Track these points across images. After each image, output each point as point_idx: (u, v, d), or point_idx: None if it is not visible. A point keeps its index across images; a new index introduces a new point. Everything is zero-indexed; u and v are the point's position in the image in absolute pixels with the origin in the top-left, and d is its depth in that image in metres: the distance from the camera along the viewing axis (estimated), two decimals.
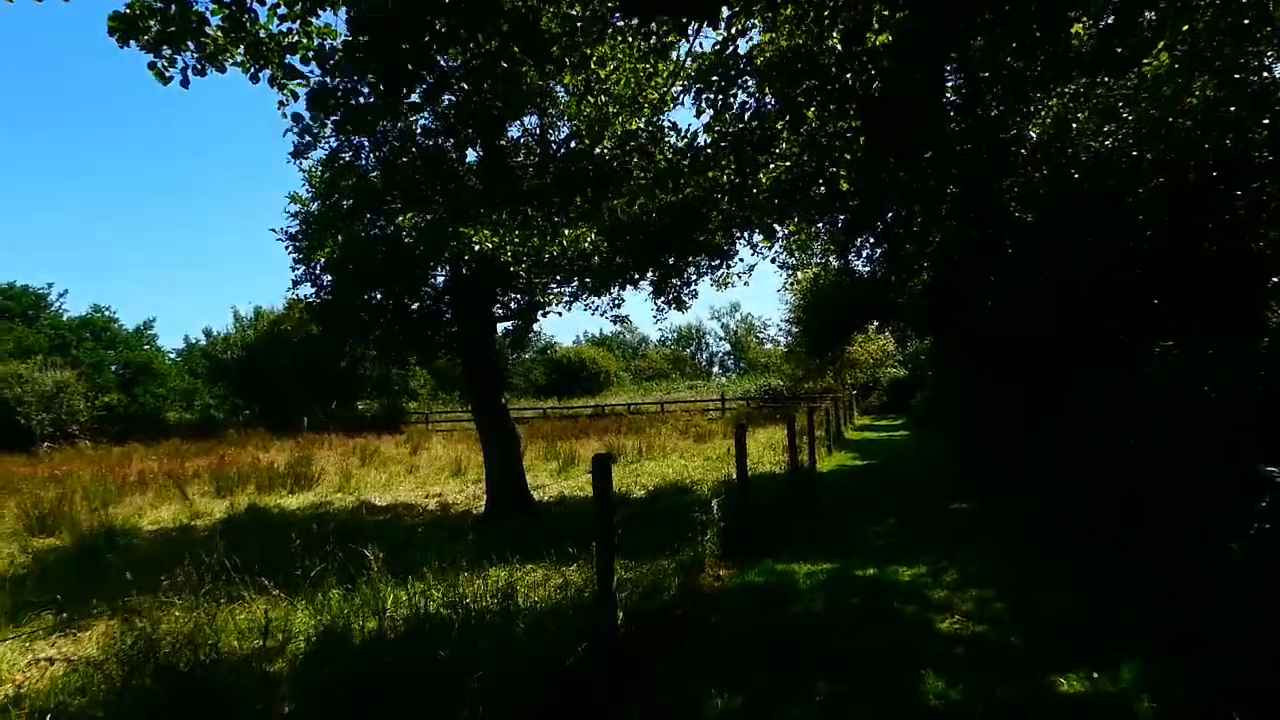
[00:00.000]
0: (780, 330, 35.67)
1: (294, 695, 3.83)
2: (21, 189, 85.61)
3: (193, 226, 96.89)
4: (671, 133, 6.07)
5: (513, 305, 9.19)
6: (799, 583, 6.20)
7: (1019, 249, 10.41)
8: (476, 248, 6.87)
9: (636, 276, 8.10)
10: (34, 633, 5.30)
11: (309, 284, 8.57)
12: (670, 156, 5.95)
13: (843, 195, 9.05)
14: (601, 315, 10.58)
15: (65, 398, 31.59)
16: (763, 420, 26.77)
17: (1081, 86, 10.15)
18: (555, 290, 8.82)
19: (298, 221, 8.49)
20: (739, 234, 8.04)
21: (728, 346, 71.27)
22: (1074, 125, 10.35)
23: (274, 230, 8.17)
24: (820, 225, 9.67)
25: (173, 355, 43.89)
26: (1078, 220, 9.74)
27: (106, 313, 41.32)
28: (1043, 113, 10.30)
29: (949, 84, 9.40)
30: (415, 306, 8.91)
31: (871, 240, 13.19)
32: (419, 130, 9.15)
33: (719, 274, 9.35)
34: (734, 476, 13.38)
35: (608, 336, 68.59)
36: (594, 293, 8.36)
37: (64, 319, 40.26)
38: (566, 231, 7.09)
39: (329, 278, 8.44)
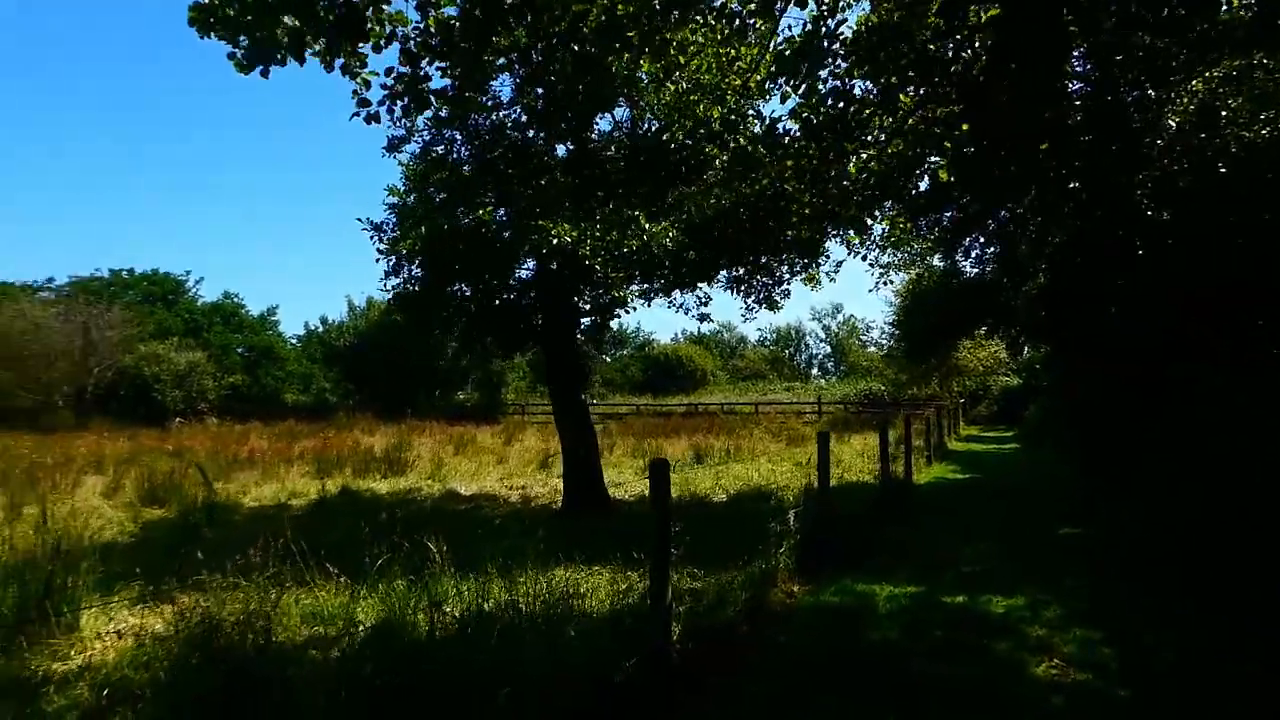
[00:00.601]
0: (883, 333, 34.29)
1: (329, 690, 3.76)
2: (168, 184, 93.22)
3: (318, 220, 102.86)
4: (755, 120, 5.72)
5: (593, 301, 9.06)
6: (878, 606, 5.75)
7: (1151, 249, 9.45)
8: (555, 241, 6.75)
9: (711, 273, 7.74)
10: (119, 603, 5.52)
11: (393, 276, 8.73)
12: (745, 145, 5.59)
13: (948, 190, 8.42)
14: (686, 313, 10.28)
15: (196, 377, 34.00)
16: (860, 426, 25.80)
17: (1233, 68, 9.09)
18: (636, 287, 8.60)
19: (392, 212, 8.63)
20: (831, 230, 7.56)
21: (828, 349, 69.46)
22: (1223, 113, 9.30)
23: (360, 220, 8.29)
24: (922, 221, 9.04)
25: (294, 341, 46.59)
26: (1224, 218, 8.74)
27: (235, 299, 44.27)
28: (1184, 98, 9.28)
29: (1075, 68, 8.60)
30: (498, 300, 8.93)
31: (981, 240, 12.34)
32: (509, 124, 9.15)
33: (808, 271, 8.86)
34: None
35: (705, 335, 68.14)
36: (666, 290, 8.06)
37: (198, 304, 43.38)
38: (648, 226, 6.85)
39: (414, 269, 8.57)
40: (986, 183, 6.46)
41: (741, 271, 8.19)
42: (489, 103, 9.11)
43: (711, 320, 10.04)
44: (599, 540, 7.39)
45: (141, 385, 32.57)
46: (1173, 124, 9.53)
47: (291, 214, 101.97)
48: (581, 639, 4.55)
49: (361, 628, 5.06)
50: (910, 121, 5.13)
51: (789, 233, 6.70)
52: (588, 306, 9.05)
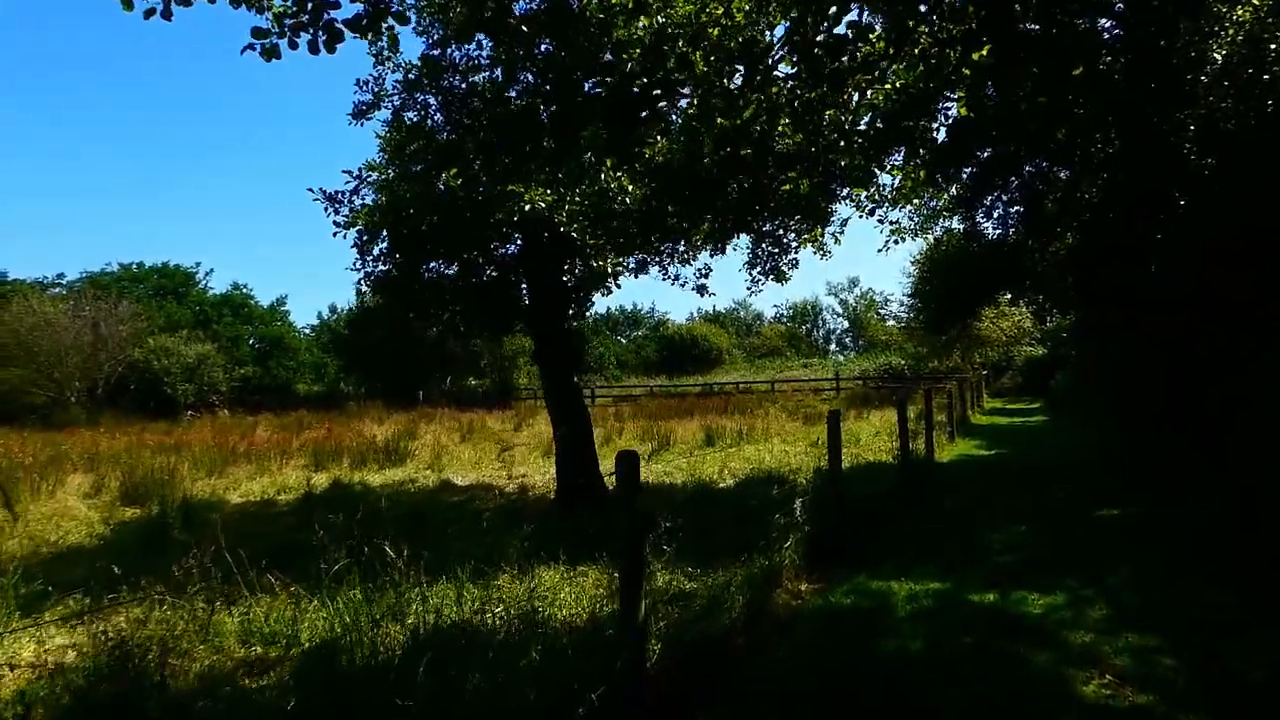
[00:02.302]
0: (901, 305, 33.27)
1: None
2: (176, 177, 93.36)
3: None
4: (737, 49, 4.89)
5: (580, 275, 8.33)
6: (896, 607, 5.06)
7: (1195, 200, 8.58)
8: (529, 207, 6.04)
9: (686, 226, 6.87)
10: (48, 623, 4.96)
11: (362, 254, 7.94)
12: (719, 61, 4.78)
13: (966, 137, 7.60)
14: (683, 285, 9.45)
15: (206, 369, 33.77)
16: (879, 402, 25.02)
17: None
18: (632, 260, 7.83)
19: (352, 180, 7.76)
20: (834, 186, 6.70)
21: (846, 324, 68.22)
22: (1272, 46, 8.39)
23: (311, 190, 7.46)
24: (938, 176, 8.19)
25: (307, 331, 46.37)
26: (1276, 161, 7.86)
27: (244, 290, 44.00)
28: (1230, 29, 8.37)
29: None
30: (479, 278, 8.23)
31: (1004, 198, 11.46)
32: (485, 85, 8.42)
33: (811, 232, 8.02)
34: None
35: (721, 313, 67.21)
36: (641, 249, 7.16)
37: (208, 295, 43.16)
38: (630, 187, 6.07)
39: (381, 246, 7.84)
40: (1011, 118, 5.64)
41: (716, 227, 7.23)
42: (462, 62, 8.40)
43: (712, 293, 9.37)
44: (590, 535, 6.74)
45: (152, 379, 32.40)
46: (1217, 58, 8.64)
47: (299, 203, 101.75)
48: (546, 659, 3.91)
49: (306, 646, 4.48)
50: (921, 44, 4.35)
51: (784, 188, 5.93)
52: (573, 281, 8.32)
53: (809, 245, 8.32)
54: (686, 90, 5.45)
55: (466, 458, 15.08)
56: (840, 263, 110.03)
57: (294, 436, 18.70)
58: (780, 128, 5.02)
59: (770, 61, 4.49)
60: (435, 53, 7.99)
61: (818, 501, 6.65)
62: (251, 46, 3.56)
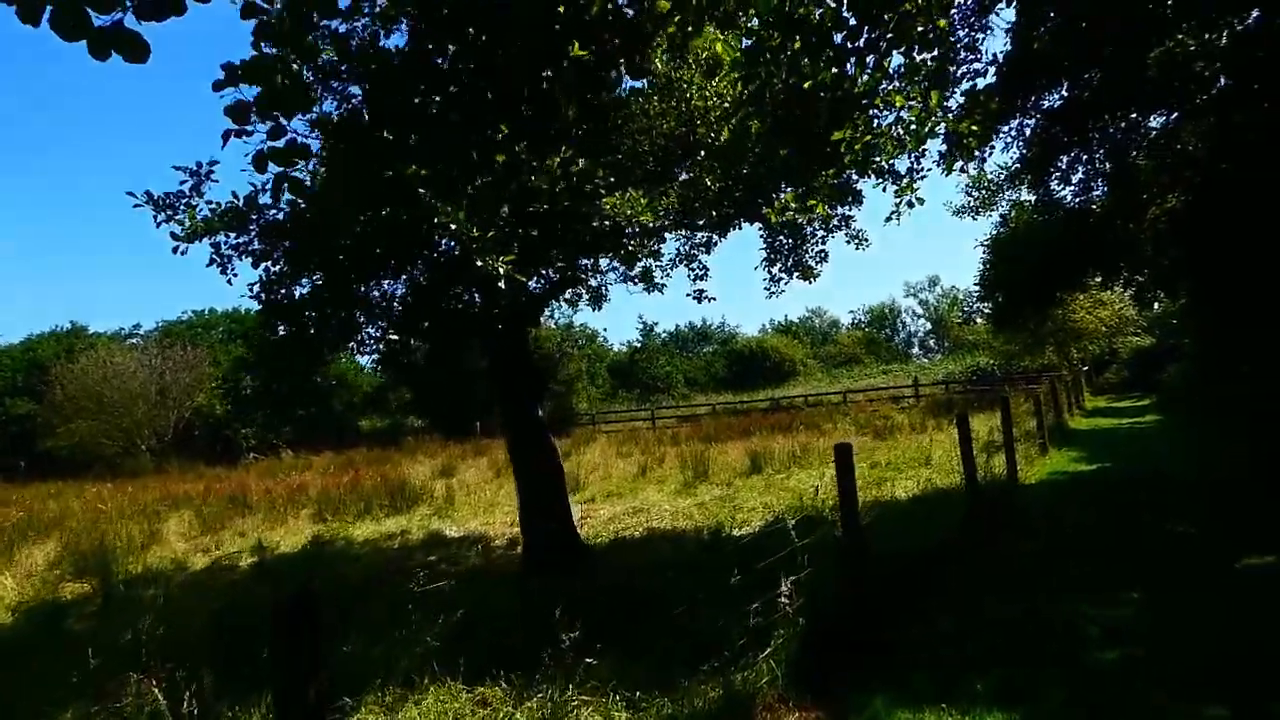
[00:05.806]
0: (979, 298, 30.32)
1: None
2: None
3: None
4: None
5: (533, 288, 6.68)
6: None
7: None
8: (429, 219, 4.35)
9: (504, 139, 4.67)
10: None
11: (216, 267, 6.40)
12: None
13: (1029, 65, 5.67)
14: (657, 292, 7.55)
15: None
16: (965, 409, 22.46)
17: None
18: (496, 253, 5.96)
19: (191, 179, 5.97)
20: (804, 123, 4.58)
21: (928, 325, 64.40)
22: None
23: (133, 194, 5.70)
24: (975, 108, 6.04)
25: (373, 368, 46.44)
26: None
27: None
28: None
29: None
30: (412, 292, 6.71)
31: (1083, 157, 9.24)
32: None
33: (778, 201, 6.08)
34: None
35: (794, 323, 64.67)
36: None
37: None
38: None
39: (256, 260, 6.35)
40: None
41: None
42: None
43: (711, 298, 7.63)
44: (535, 621, 4.99)
45: (215, 423, 32.63)
46: None
47: None
48: None
49: None
50: None
51: (729, 124, 4.07)
52: (525, 298, 6.69)
53: (848, 240, 6.33)
54: None
55: (484, 499, 13.64)
56: (921, 260, 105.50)
57: (323, 479, 17.74)
58: None
59: None
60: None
61: (829, 571, 4.81)
62: None
